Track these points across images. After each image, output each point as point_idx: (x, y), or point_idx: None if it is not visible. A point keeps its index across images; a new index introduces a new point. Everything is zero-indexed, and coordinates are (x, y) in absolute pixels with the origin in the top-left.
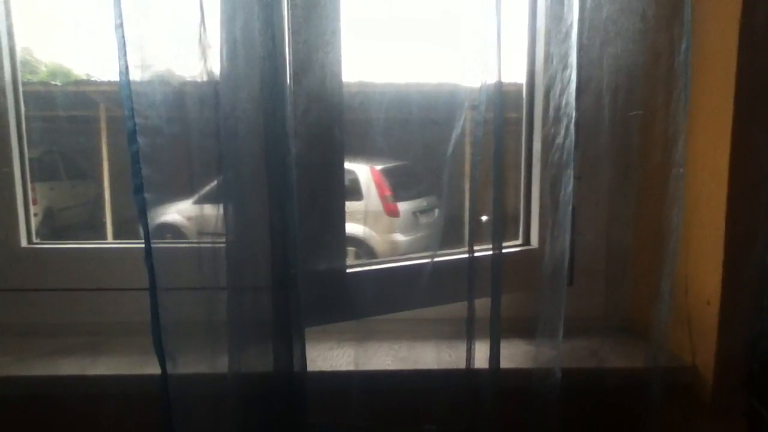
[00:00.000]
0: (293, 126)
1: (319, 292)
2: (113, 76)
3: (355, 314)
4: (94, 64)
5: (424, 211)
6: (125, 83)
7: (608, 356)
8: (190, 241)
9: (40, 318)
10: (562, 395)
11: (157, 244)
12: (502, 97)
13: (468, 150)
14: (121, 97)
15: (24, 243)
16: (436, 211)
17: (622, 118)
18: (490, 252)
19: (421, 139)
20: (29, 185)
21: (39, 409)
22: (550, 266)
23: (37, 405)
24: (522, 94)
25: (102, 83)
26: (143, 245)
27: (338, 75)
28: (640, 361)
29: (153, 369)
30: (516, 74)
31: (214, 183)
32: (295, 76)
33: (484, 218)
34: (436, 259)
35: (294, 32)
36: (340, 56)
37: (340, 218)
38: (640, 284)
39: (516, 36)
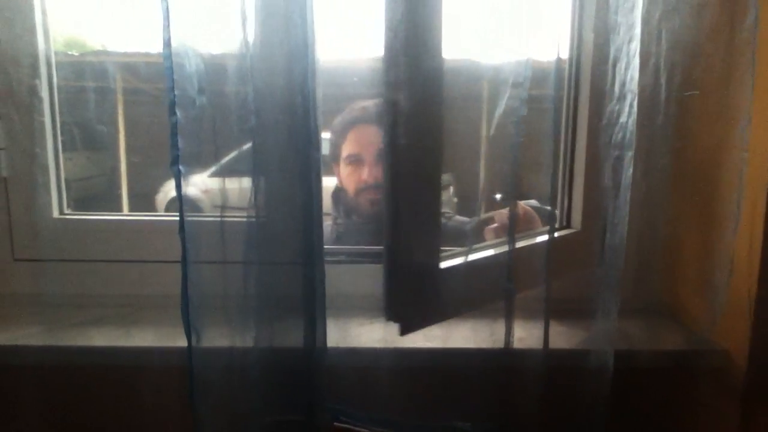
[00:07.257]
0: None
1: None
2: (129, 47)
3: None
4: (108, 35)
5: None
6: (167, 55)
7: (640, 338)
8: (224, 215)
9: (70, 289)
10: (589, 376)
11: (190, 217)
12: (546, 75)
13: (508, 130)
14: (163, 68)
15: (56, 214)
16: (451, 189)
17: (678, 98)
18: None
19: (460, 117)
20: (60, 155)
21: (68, 379)
22: (593, 249)
23: (67, 375)
24: (563, 72)
25: (117, 54)
26: (175, 218)
27: None
28: (672, 343)
29: (181, 342)
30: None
31: (230, 156)
32: None
33: (497, 196)
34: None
35: None
36: None
37: None
38: (678, 267)
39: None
